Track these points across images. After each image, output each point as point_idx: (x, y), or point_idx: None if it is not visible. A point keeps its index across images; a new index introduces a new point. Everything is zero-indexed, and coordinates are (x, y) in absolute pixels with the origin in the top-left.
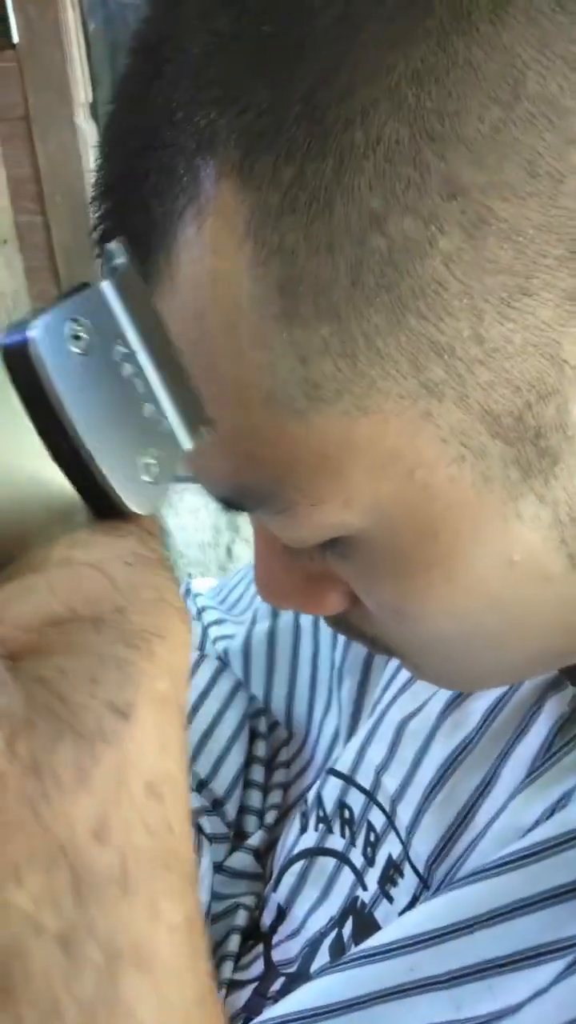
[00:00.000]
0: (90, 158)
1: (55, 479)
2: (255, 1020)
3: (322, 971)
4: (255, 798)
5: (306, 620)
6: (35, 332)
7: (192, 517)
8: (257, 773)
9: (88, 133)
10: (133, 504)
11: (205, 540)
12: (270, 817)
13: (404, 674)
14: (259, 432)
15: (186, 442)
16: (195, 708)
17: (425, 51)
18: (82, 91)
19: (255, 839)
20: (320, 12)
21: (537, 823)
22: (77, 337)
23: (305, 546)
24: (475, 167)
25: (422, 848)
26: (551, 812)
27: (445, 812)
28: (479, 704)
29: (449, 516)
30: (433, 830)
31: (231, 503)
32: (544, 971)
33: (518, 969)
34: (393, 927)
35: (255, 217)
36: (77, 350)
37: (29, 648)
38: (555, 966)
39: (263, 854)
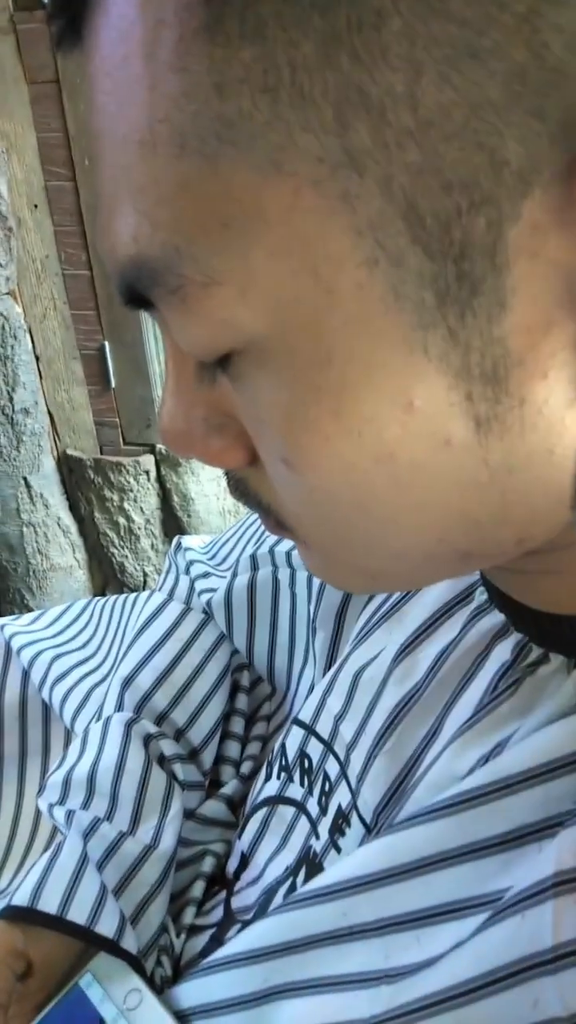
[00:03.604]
0: None
1: None
2: (203, 962)
3: (266, 913)
4: (233, 749)
5: (283, 575)
6: None
7: (214, 484)
8: (236, 725)
9: None
10: None
11: (226, 507)
12: (246, 768)
13: (368, 623)
14: (162, 184)
15: None
16: (177, 659)
17: None
18: None
19: (229, 788)
20: None
21: (472, 770)
22: None
23: (202, 351)
24: None
25: (370, 796)
26: (486, 759)
27: (393, 760)
28: (429, 651)
29: (347, 334)
30: (381, 778)
31: (133, 292)
32: (467, 924)
33: (445, 921)
34: (332, 870)
35: None
36: None
37: None
38: (477, 919)
39: (237, 804)
